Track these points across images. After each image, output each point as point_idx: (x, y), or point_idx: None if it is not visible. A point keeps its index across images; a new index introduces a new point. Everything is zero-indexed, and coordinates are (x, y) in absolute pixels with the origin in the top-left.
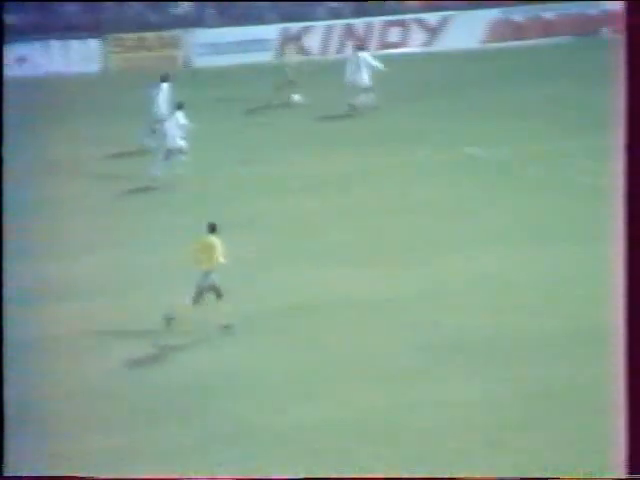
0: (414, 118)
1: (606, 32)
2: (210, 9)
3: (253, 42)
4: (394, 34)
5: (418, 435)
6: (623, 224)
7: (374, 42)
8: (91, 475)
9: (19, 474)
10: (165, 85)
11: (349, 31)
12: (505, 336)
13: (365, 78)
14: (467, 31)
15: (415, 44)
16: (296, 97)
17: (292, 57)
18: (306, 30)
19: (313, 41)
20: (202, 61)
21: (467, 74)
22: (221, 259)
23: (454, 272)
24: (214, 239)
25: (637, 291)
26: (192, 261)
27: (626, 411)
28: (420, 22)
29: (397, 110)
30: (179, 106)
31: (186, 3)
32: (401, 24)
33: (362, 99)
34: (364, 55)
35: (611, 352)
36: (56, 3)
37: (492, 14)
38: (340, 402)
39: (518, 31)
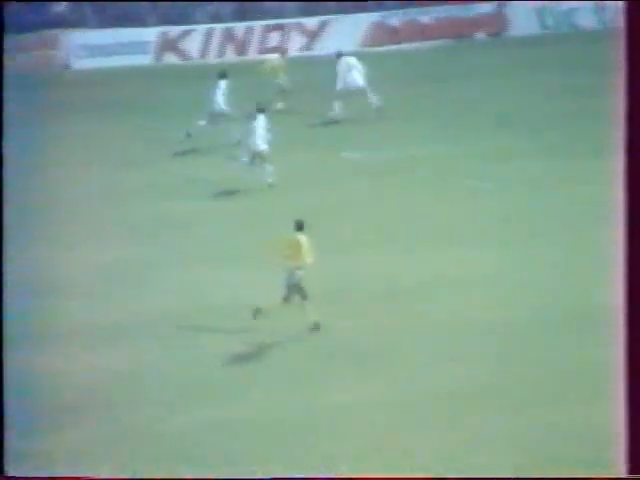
0: (298, 122)
1: (482, 35)
2: (88, 9)
3: (132, 45)
4: (274, 38)
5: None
6: (623, 223)
7: (254, 46)
8: (91, 475)
9: (19, 474)
10: (223, 82)
11: (229, 35)
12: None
13: (358, 80)
14: (345, 35)
15: (295, 48)
16: (279, 105)
17: (276, 59)
18: (185, 33)
19: (192, 45)
20: (81, 63)
21: None
22: (308, 259)
23: (364, 272)
24: (301, 237)
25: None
26: (277, 258)
27: (626, 411)
28: (299, 26)
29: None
30: (260, 109)
31: (64, 3)
32: (280, 28)
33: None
34: (351, 59)
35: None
36: None
37: (370, 18)
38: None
39: (395, 35)
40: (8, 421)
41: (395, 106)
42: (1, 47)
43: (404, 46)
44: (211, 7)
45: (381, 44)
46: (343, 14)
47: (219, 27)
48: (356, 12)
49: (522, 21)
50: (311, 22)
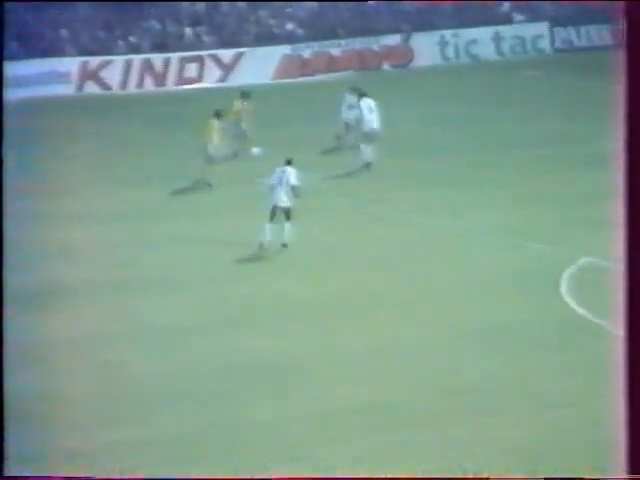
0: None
1: (388, 67)
2: (13, 41)
3: (53, 75)
4: (191, 70)
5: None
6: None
7: (171, 77)
8: (91, 475)
9: (19, 474)
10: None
11: (148, 66)
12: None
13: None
14: (259, 67)
15: (211, 80)
16: (255, 150)
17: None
18: (105, 64)
19: (112, 75)
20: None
21: (260, 109)
22: None
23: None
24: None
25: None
26: None
27: (626, 411)
28: (215, 58)
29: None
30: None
31: None
32: (197, 60)
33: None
34: (371, 101)
35: (610, 353)
36: None
37: (282, 50)
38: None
39: (306, 67)
40: (8, 421)
41: (312, 136)
42: (1, 47)
43: (314, 78)
44: (132, 38)
45: (292, 76)
46: (256, 47)
47: (138, 58)
48: (269, 44)
49: (426, 53)
50: (226, 54)
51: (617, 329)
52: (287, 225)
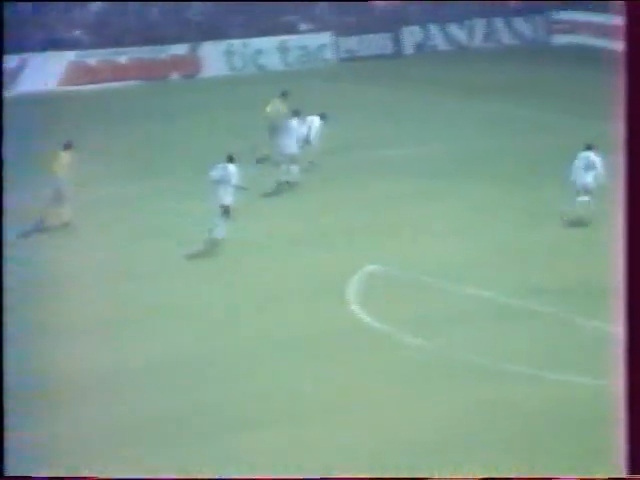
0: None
1: (177, 77)
2: None
3: None
4: None
5: None
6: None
7: None
8: (91, 475)
9: (19, 474)
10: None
11: None
12: None
13: (293, 146)
14: (44, 73)
15: None
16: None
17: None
18: None
19: None
20: None
21: (46, 118)
22: None
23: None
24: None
25: None
26: None
27: (626, 410)
28: None
29: None
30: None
31: None
32: None
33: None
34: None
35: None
36: None
37: (68, 57)
38: None
39: (92, 74)
40: (9, 420)
41: (99, 144)
42: (1, 47)
43: (101, 86)
44: None
45: (78, 83)
46: (41, 52)
47: None
48: (54, 50)
49: (213, 62)
50: (10, 59)
51: (405, 335)
52: (222, 222)
